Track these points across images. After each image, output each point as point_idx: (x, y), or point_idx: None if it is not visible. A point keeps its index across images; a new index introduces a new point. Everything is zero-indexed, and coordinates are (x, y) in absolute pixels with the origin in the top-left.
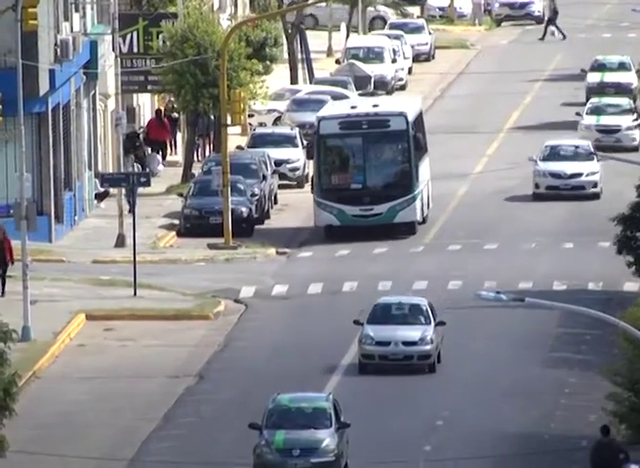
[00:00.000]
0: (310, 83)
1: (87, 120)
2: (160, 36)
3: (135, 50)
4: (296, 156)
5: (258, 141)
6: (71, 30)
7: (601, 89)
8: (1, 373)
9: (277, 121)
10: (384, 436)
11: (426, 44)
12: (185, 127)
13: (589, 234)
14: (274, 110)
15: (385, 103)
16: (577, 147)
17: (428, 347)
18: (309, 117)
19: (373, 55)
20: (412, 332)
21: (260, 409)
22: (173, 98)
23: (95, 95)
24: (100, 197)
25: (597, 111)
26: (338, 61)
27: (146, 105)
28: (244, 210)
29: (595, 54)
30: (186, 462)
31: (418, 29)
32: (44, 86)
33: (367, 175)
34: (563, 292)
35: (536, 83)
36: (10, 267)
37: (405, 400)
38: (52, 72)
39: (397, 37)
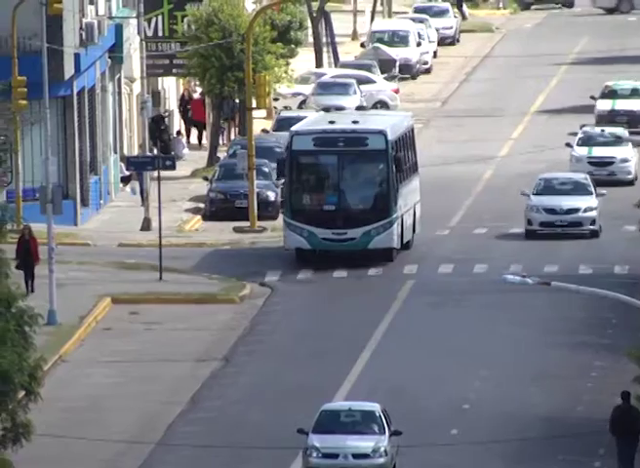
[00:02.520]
0: (335, 66)
1: (112, 104)
2: (185, 20)
3: (160, 33)
4: None
5: (283, 125)
6: (96, 14)
7: (612, 117)
8: (27, 357)
9: (302, 104)
10: (412, 420)
11: (451, 28)
12: (211, 110)
13: (615, 218)
14: (299, 94)
15: (367, 120)
16: (573, 180)
17: (382, 460)
18: (334, 100)
19: (398, 38)
20: (363, 443)
21: (285, 392)
22: (198, 82)
23: (120, 78)
24: (125, 181)
25: (589, 142)
26: (363, 45)
27: (171, 89)
28: (269, 193)
29: (620, 37)
30: (212, 445)
31: (442, 13)
32: (69, 70)
33: (341, 196)
34: (588, 275)
35: (561, 66)
36: (36, 266)
37: (431, 383)
38: (77, 56)
39: (422, 21)
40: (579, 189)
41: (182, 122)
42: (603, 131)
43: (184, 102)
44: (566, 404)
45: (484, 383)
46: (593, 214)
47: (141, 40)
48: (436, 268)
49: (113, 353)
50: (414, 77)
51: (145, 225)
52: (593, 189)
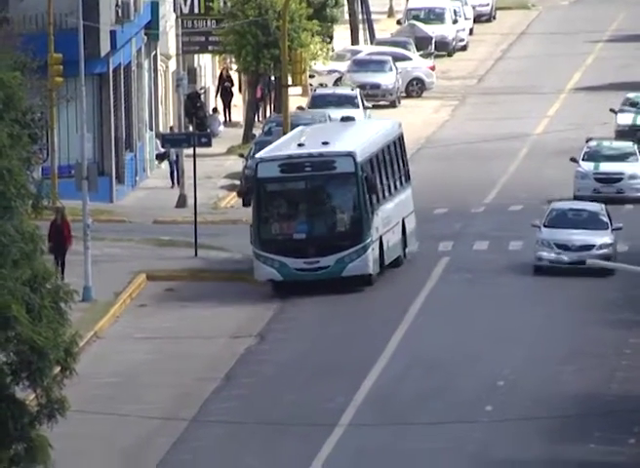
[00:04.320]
0: (371, 44)
1: (148, 81)
2: None
3: (196, 10)
4: (356, 117)
5: (318, 102)
6: None
7: (633, 133)
8: (62, 333)
9: (338, 82)
10: (446, 396)
11: (487, 5)
12: (246, 88)
13: None
14: (335, 71)
15: (339, 139)
16: (588, 212)
17: (606, 251)
18: (370, 78)
19: (434, 15)
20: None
21: (319, 369)
22: (233, 59)
23: (156, 55)
24: (160, 158)
25: (595, 157)
26: (399, 22)
27: (207, 66)
28: None
29: None
30: (247, 422)
31: None
32: (105, 47)
33: (311, 223)
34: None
35: (597, 44)
36: (69, 250)
37: (466, 360)
38: (113, 33)
39: None
40: (594, 222)
41: (220, 100)
42: (609, 144)
43: (223, 80)
44: (600, 381)
45: (518, 360)
46: (609, 250)
47: (177, 17)
48: (471, 245)
49: (148, 330)
50: (450, 54)
51: (181, 202)
52: (609, 222)
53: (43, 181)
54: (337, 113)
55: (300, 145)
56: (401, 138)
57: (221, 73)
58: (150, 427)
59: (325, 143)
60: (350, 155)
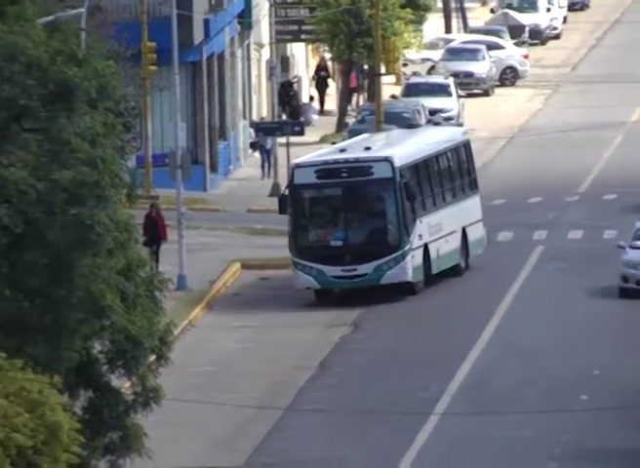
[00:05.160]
0: (464, 32)
1: (241, 69)
2: None
3: None
4: (450, 105)
5: (411, 90)
6: None
7: None
8: (157, 322)
9: (431, 70)
10: (542, 385)
11: None
12: (339, 76)
13: None
14: (428, 59)
15: (385, 145)
16: None
17: None
18: (463, 66)
19: (527, 4)
20: None
21: (413, 358)
22: (326, 48)
23: (249, 44)
24: (254, 146)
25: None
26: (492, 11)
27: (300, 55)
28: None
29: None
30: (341, 411)
31: None
32: (198, 35)
33: (348, 230)
34: None
35: None
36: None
37: (562, 348)
38: (206, 21)
39: None
40: None
41: (316, 89)
42: None
43: (319, 69)
44: None
45: (614, 349)
46: None
47: (271, 6)
48: (565, 234)
49: (242, 318)
50: (543, 42)
51: (274, 191)
52: None
53: (137, 170)
54: (430, 102)
55: (341, 151)
56: (466, 146)
57: (319, 63)
58: (245, 416)
59: (367, 149)
60: (387, 160)
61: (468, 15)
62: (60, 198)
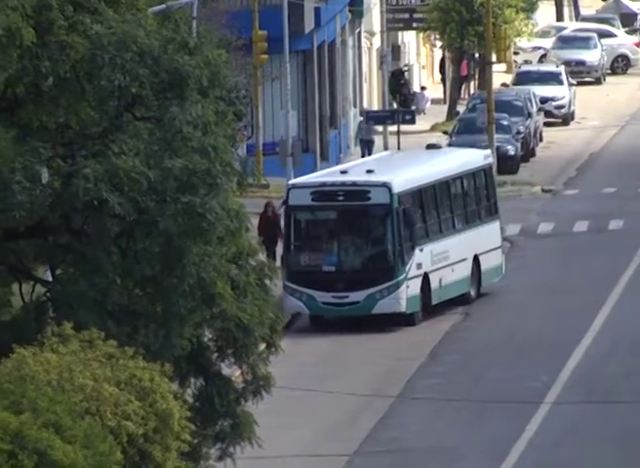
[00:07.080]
0: (576, 20)
1: (352, 58)
2: None
3: None
4: (561, 94)
5: (523, 79)
6: None
7: None
8: (267, 310)
9: (542, 58)
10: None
11: None
12: (450, 64)
13: None
14: (540, 48)
15: (386, 170)
16: None
17: None
18: (575, 54)
19: None
20: None
21: (524, 346)
22: (438, 36)
23: (360, 32)
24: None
25: None
26: None
27: (411, 43)
28: (509, 147)
29: None
30: (452, 399)
31: None
32: (309, 24)
33: (341, 255)
34: None
35: None
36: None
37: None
38: (317, 10)
39: None
40: None
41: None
42: None
43: (442, 60)
44: None
45: None
46: None
47: None
48: None
49: None
50: None
51: None
52: None
53: (248, 159)
54: (541, 90)
55: (342, 172)
56: (486, 170)
57: (443, 56)
58: (356, 404)
59: (369, 172)
60: (385, 185)
61: (580, 3)
62: (172, 186)
